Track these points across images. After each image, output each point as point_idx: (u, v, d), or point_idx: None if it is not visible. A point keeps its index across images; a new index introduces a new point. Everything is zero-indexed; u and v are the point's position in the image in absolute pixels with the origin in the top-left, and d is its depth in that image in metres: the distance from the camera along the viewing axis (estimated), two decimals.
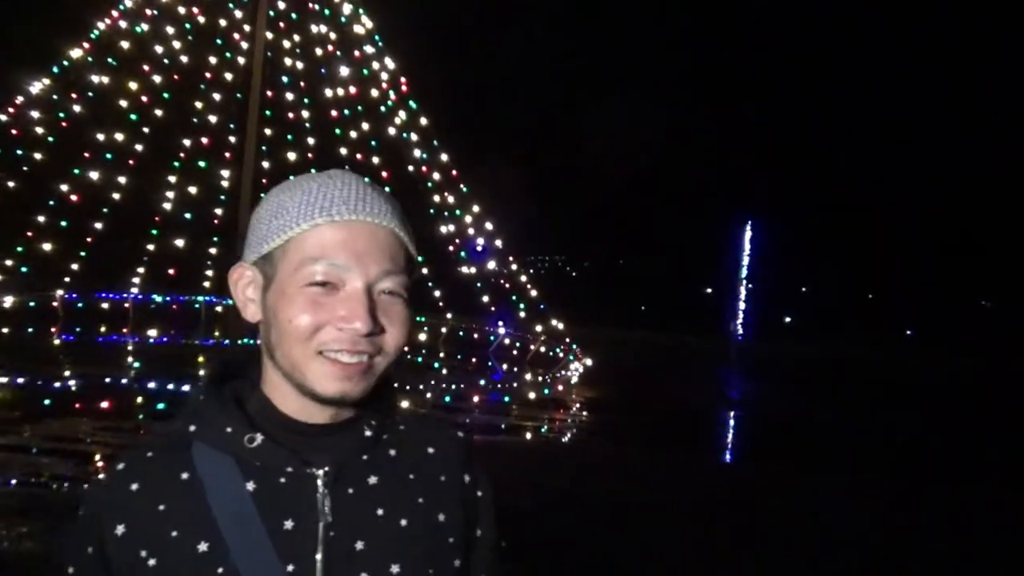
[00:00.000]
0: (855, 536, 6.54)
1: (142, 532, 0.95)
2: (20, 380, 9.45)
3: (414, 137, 18.00)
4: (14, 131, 15.07)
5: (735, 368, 25.51)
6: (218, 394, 1.02)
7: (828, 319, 51.32)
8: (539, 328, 18.24)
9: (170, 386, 9.80)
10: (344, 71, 17.43)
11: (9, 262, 15.85)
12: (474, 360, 17.75)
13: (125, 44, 15.92)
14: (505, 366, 17.15)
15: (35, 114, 15.29)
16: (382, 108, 18.06)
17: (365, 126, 17.78)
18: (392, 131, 18.02)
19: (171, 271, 17.72)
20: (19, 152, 15.30)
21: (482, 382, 14.00)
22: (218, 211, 17.75)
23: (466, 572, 1.07)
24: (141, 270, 17.62)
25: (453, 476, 1.09)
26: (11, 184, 15.33)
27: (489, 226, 18.21)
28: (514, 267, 18.60)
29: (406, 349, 1.04)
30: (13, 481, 6.27)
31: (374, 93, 17.87)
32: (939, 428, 14.68)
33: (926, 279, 61.58)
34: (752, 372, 24.16)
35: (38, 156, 15.47)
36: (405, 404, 1.18)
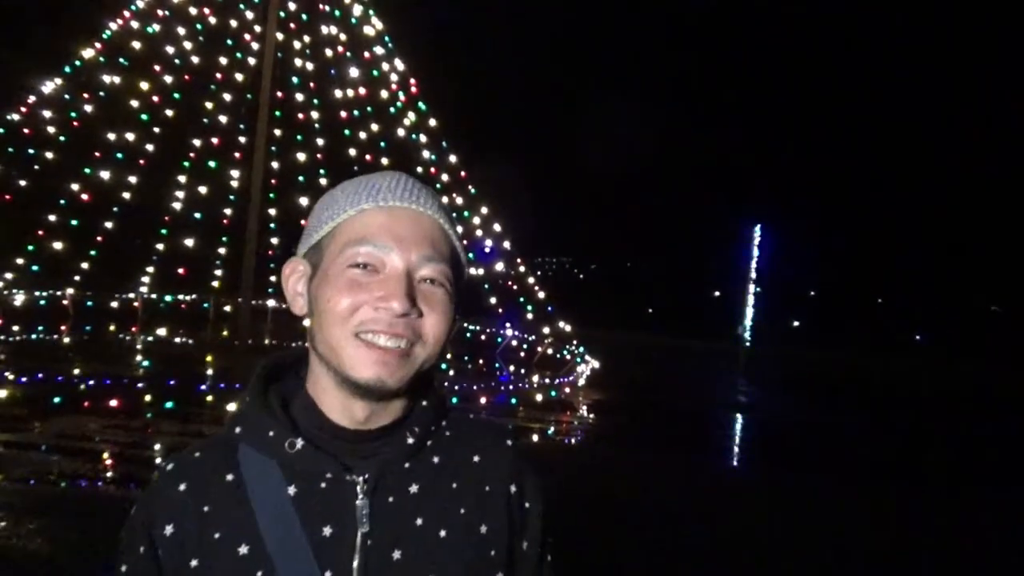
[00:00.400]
0: (860, 541, 6.51)
1: (188, 533, 0.95)
2: (29, 378, 9.50)
3: (423, 138, 18.04)
4: (26, 130, 15.16)
5: (742, 372, 25.42)
6: (263, 396, 1.01)
7: (836, 323, 51.13)
8: (546, 330, 18.23)
9: (179, 384, 9.84)
10: (354, 72, 17.49)
11: (20, 260, 15.94)
12: (481, 361, 17.75)
13: (137, 44, 16.02)
14: (512, 368, 17.14)
15: (47, 113, 15.38)
16: (391, 109, 18.12)
17: (374, 127, 17.83)
18: (401, 132, 18.07)
19: (180, 271, 17.80)
20: (31, 151, 15.40)
21: (489, 384, 14.01)
22: (227, 211, 17.83)
23: None
24: (151, 269, 17.71)
25: (499, 486, 1.06)
26: (22, 183, 15.42)
27: (497, 227, 18.24)
28: (522, 269, 18.62)
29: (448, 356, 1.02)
30: (22, 478, 6.30)
31: (383, 94, 17.92)
32: (945, 433, 14.60)
33: (935, 284, 61.28)
34: (759, 376, 24.07)
35: (49, 155, 15.56)
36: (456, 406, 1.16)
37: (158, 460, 7.39)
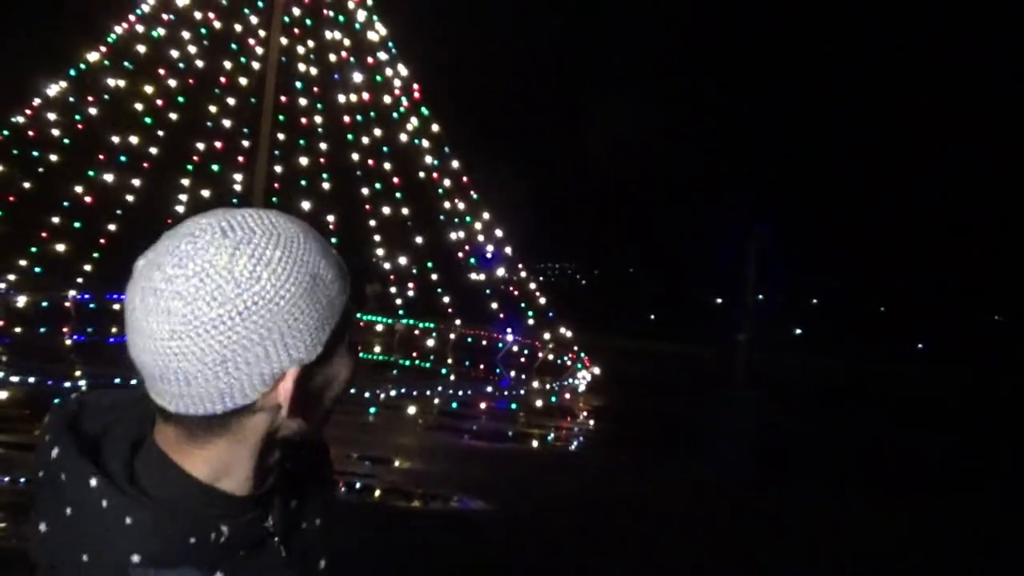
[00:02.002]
0: (861, 547, 6.50)
1: None
2: (31, 379, 9.52)
3: (425, 143, 18.09)
4: (30, 132, 15.23)
5: (743, 379, 25.39)
6: (135, 498, 0.78)
7: (838, 331, 51.03)
8: (547, 336, 18.23)
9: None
10: (357, 77, 17.55)
11: (23, 262, 15.97)
12: (482, 367, 17.75)
13: (141, 48, 16.09)
14: (513, 373, 17.15)
15: (51, 116, 15.45)
16: (394, 114, 18.17)
17: (377, 132, 17.89)
18: (404, 137, 18.12)
19: None
20: (35, 153, 15.46)
21: (489, 389, 14.02)
22: None
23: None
24: None
25: (323, 458, 1.08)
26: (26, 185, 15.47)
27: (499, 233, 18.27)
28: (523, 274, 18.63)
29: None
30: (22, 480, 6.32)
31: (386, 99, 17.98)
32: (947, 442, 14.57)
33: (939, 292, 61.21)
34: (760, 383, 24.04)
35: (53, 158, 15.62)
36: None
37: None
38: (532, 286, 18.45)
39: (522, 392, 13.95)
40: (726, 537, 6.45)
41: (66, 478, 0.80)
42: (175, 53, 16.55)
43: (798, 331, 57.11)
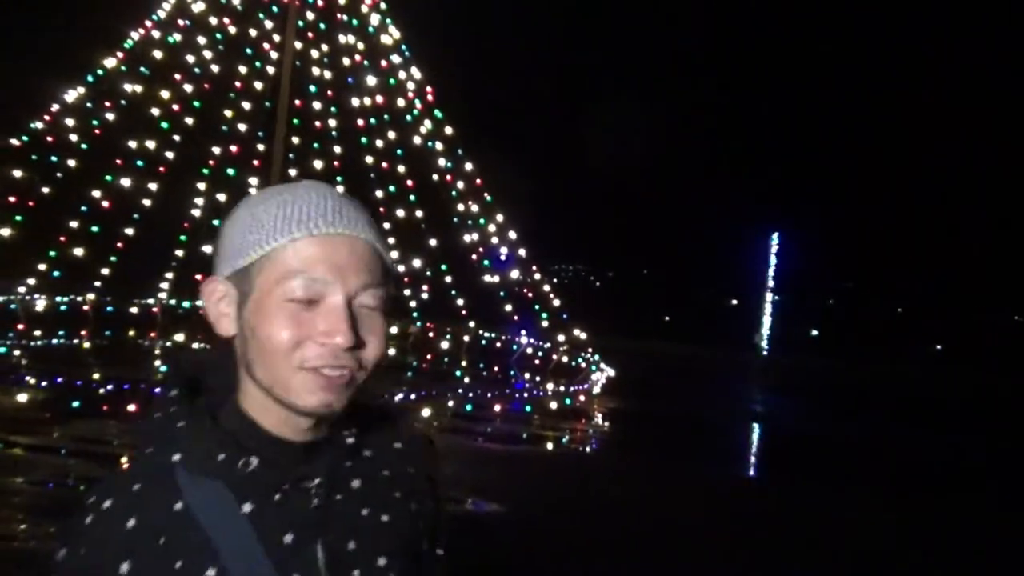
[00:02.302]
0: (876, 551, 6.45)
1: (147, 567, 0.92)
2: (49, 382, 9.62)
3: (439, 146, 18.13)
4: (49, 138, 15.40)
5: (759, 381, 25.26)
6: (196, 415, 0.98)
7: (855, 333, 50.64)
8: (561, 338, 18.22)
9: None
10: (371, 80, 17.62)
11: (42, 266, 16.14)
12: (496, 369, 17.75)
13: (158, 54, 16.24)
14: (527, 375, 17.14)
15: (69, 121, 15.60)
16: (408, 117, 18.23)
17: (391, 135, 17.95)
18: (417, 140, 18.17)
19: (199, 277, 17.94)
20: (53, 158, 15.62)
21: (504, 391, 14.02)
22: None
23: (427, 556, 1.13)
24: (170, 275, 17.89)
25: (419, 468, 1.14)
26: (45, 189, 15.64)
27: (513, 235, 18.27)
28: (537, 276, 18.63)
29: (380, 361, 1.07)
30: (41, 481, 6.38)
31: (400, 102, 18.04)
32: (965, 445, 14.42)
33: (957, 293, 60.58)
34: (776, 386, 23.91)
35: (71, 163, 15.78)
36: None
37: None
38: (546, 288, 18.44)
39: (536, 394, 13.93)
40: (739, 541, 6.41)
41: (160, 391, 1.02)
42: (191, 58, 16.68)
43: (814, 333, 56.73)
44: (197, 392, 1.03)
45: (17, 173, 15.08)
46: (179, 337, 16.32)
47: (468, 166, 18.15)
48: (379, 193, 18.26)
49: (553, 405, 13.10)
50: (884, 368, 33.87)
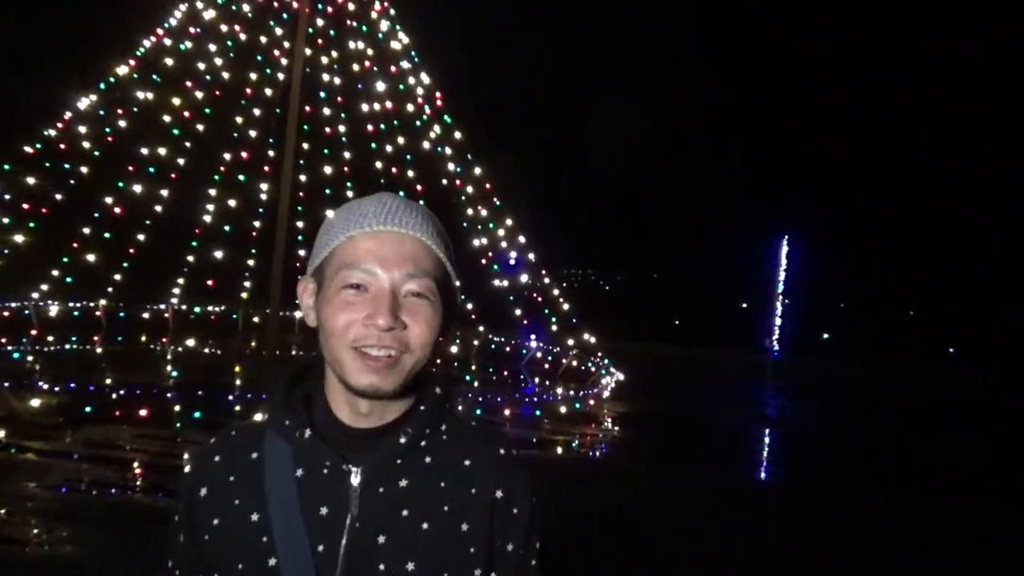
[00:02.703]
0: (888, 556, 6.41)
1: (217, 496, 1.13)
2: (62, 387, 9.69)
3: (448, 151, 18.17)
4: (62, 145, 15.52)
5: (770, 385, 25.14)
6: (287, 392, 1.17)
7: (867, 336, 50.31)
8: (571, 342, 18.20)
9: (207, 395, 9.99)
10: (380, 86, 17.68)
11: (55, 272, 16.27)
12: (506, 373, 17.76)
13: (169, 61, 16.35)
14: (537, 380, 17.13)
15: (82, 129, 15.73)
16: (417, 122, 18.28)
17: (400, 140, 18.00)
18: (426, 145, 18.22)
19: (210, 282, 18.06)
20: (66, 165, 15.74)
21: (514, 395, 14.01)
22: (256, 223, 18.09)
23: None
24: (181, 281, 18.00)
25: (484, 490, 1.16)
26: (58, 196, 15.76)
27: (522, 239, 18.28)
28: (546, 280, 18.62)
29: (438, 359, 1.12)
30: (53, 486, 6.43)
31: (409, 108, 18.09)
32: (979, 450, 14.30)
33: (971, 296, 60.05)
34: (788, 389, 23.79)
35: (84, 169, 15.89)
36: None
37: (187, 469, 7.50)
38: (555, 292, 18.43)
39: (546, 398, 13.92)
40: (749, 545, 6.39)
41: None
42: (202, 65, 16.78)
43: (826, 336, 56.43)
44: (302, 379, 1.21)
45: (31, 180, 15.20)
46: (190, 342, 16.40)
47: (477, 171, 18.18)
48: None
49: (563, 409, 13.09)
50: (897, 371, 33.63)
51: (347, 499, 1.10)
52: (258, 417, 1.20)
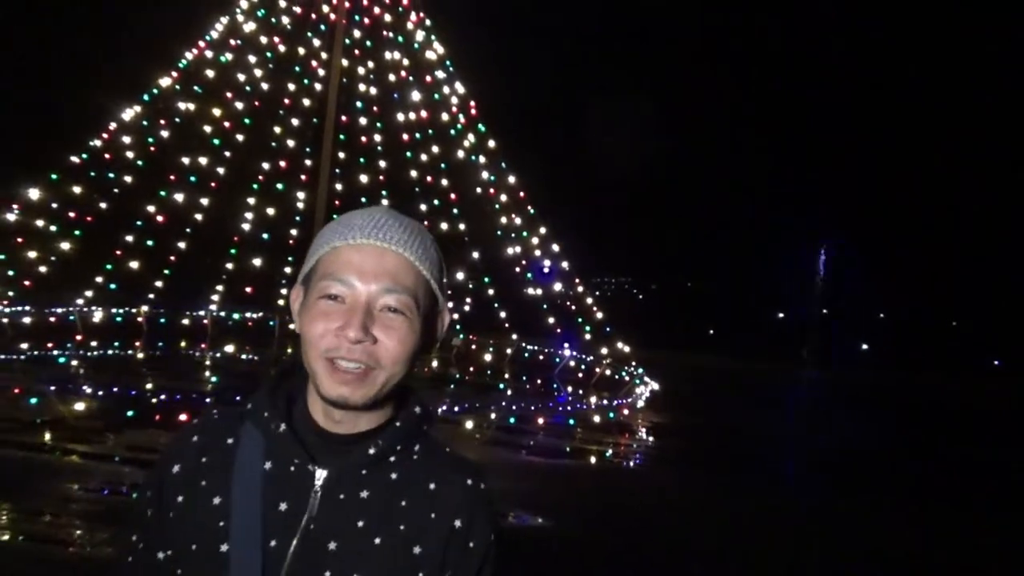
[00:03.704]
0: (925, 569, 6.25)
1: (186, 474, 1.13)
2: (105, 391, 9.90)
3: (482, 159, 18.25)
4: (107, 155, 15.91)
5: (808, 397, 24.73)
6: (273, 388, 1.18)
7: (907, 347, 49.23)
8: (605, 351, 18.12)
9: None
10: (415, 96, 17.85)
11: (99, 279, 16.68)
12: (539, 381, 17.72)
13: (210, 73, 16.68)
14: (570, 388, 17.07)
15: (126, 139, 16.11)
16: (451, 131, 18.40)
17: (435, 149, 18.13)
18: (460, 154, 18.32)
19: (248, 289, 18.35)
20: (111, 175, 16.13)
21: (547, 404, 13.98)
22: (293, 231, 18.35)
23: None
24: (220, 288, 18.32)
25: (443, 517, 1.14)
26: (103, 205, 16.15)
27: (555, 247, 18.27)
28: (580, 289, 18.58)
29: (424, 368, 1.11)
30: (96, 489, 6.56)
31: (444, 117, 18.22)
32: (1018, 461, 13.90)
33: (1014, 305, 58.46)
34: (825, 401, 23.38)
35: (128, 179, 16.27)
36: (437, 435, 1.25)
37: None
38: (589, 301, 18.37)
39: (579, 407, 13.86)
40: (784, 559, 6.28)
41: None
42: (242, 76, 17.12)
43: (864, 346, 55.35)
44: (290, 377, 1.21)
45: (76, 189, 15.60)
46: (229, 348, 16.65)
47: (511, 179, 18.23)
48: (423, 207, 18.45)
49: (596, 418, 13.01)
50: (938, 382, 32.85)
51: (307, 499, 1.10)
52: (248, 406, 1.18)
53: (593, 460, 10.30)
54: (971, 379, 37.08)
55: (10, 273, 15.18)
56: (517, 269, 18.51)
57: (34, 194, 14.70)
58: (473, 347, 19.64)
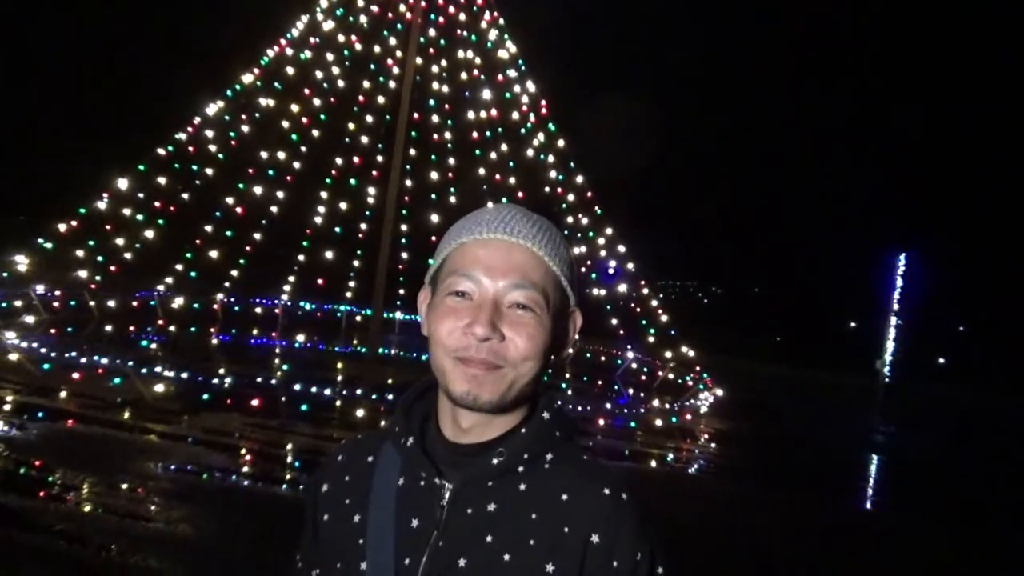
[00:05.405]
0: None
1: (333, 493, 1.17)
2: (183, 375, 10.31)
3: (551, 159, 18.27)
4: (190, 148, 16.56)
5: (880, 409, 23.90)
6: (410, 405, 1.19)
7: (987, 362, 47.00)
8: (668, 354, 17.92)
9: (312, 389, 10.41)
10: (487, 94, 17.99)
11: (179, 267, 17.42)
12: (600, 383, 17.67)
13: (290, 70, 17.17)
14: (632, 391, 16.96)
15: (209, 133, 16.73)
16: (521, 130, 18.47)
17: (504, 147, 18.24)
18: (530, 153, 18.38)
19: (319, 281, 18.85)
20: (194, 167, 16.77)
21: (607, 406, 13.92)
22: (363, 226, 18.75)
23: None
24: (292, 279, 18.87)
25: (577, 532, 1.03)
26: (185, 196, 16.82)
27: (621, 248, 18.16)
28: (645, 291, 18.42)
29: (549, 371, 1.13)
30: (173, 468, 6.89)
31: (514, 116, 18.31)
32: None
33: None
34: (899, 415, 22.55)
35: (209, 172, 16.90)
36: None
37: (289, 459, 7.88)
38: (653, 303, 18.20)
39: (641, 410, 13.75)
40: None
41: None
42: (320, 74, 17.56)
43: (941, 360, 53.11)
44: (427, 394, 1.21)
45: (162, 180, 16.28)
46: (300, 337, 17.14)
47: (579, 179, 18.20)
48: (490, 204, 18.53)
49: (658, 422, 12.91)
50: (1019, 401, 31.27)
51: (436, 514, 1.06)
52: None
53: (653, 464, 10.23)
54: None
55: (99, 259, 15.95)
56: (582, 269, 18.48)
57: (123, 184, 15.36)
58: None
